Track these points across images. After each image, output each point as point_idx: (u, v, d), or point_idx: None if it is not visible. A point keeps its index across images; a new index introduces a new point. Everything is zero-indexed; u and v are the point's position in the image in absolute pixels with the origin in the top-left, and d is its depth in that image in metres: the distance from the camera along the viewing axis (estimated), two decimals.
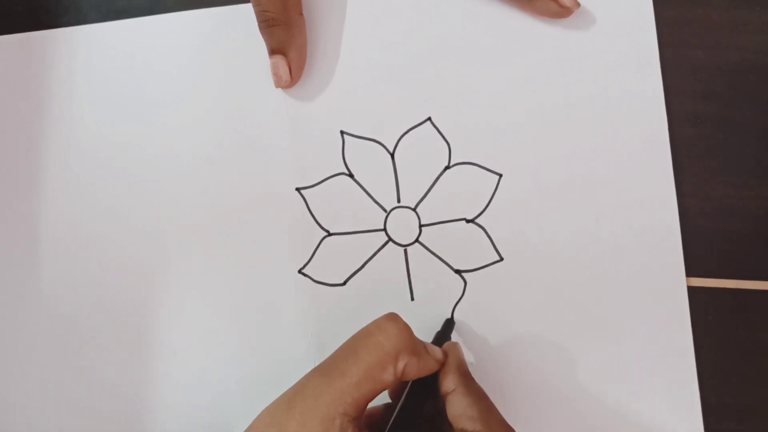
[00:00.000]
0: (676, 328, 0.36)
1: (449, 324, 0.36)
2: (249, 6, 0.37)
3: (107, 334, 0.37)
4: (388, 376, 0.28)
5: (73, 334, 0.37)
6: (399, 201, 0.38)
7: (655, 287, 0.36)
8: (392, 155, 0.38)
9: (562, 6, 0.36)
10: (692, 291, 0.36)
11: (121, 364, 0.37)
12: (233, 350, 0.37)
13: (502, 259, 0.37)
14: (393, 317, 0.29)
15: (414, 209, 0.38)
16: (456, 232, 0.37)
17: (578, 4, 0.37)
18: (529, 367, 0.36)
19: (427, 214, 0.37)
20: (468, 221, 0.37)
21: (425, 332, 0.36)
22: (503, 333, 0.36)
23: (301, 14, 0.37)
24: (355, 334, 0.29)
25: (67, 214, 0.38)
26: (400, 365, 0.28)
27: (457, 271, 0.37)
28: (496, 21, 0.39)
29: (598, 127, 0.37)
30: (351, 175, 0.38)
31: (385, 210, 0.38)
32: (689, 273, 0.36)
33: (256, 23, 0.37)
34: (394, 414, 0.30)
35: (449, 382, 0.30)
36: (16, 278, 0.38)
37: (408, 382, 0.31)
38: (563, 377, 0.36)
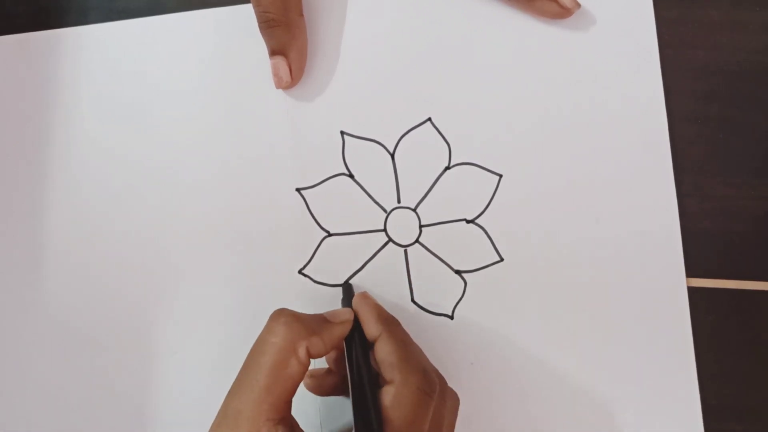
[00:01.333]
0: (676, 328, 0.36)
1: (347, 287, 0.36)
2: (250, 7, 0.37)
3: (107, 335, 0.37)
4: (294, 368, 0.28)
5: (74, 335, 0.37)
6: (399, 201, 0.38)
7: (655, 288, 0.36)
8: (392, 156, 0.38)
9: (562, 7, 0.36)
10: (692, 291, 0.36)
11: (120, 364, 0.37)
12: (233, 350, 0.37)
13: (502, 259, 0.37)
14: (277, 314, 0.29)
15: (414, 210, 0.38)
16: (456, 232, 0.37)
17: (578, 5, 0.37)
18: (529, 367, 0.36)
19: (427, 214, 0.37)
20: (468, 222, 0.37)
21: (424, 332, 0.36)
22: (503, 333, 0.36)
23: (302, 15, 0.37)
24: (251, 348, 0.29)
25: (66, 213, 0.38)
26: (302, 352, 0.28)
27: (458, 272, 0.37)
28: (496, 21, 0.39)
29: (598, 127, 0.37)
30: (351, 176, 0.38)
31: (385, 210, 0.38)
32: (689, 273, 0.36)
33: (256, 24, 0.37)
34: (350, 390, 0.29)
35: (371, 330, 0.31)
36: (18, 281, 0.38)
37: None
38: (563, 377, 0.36)
